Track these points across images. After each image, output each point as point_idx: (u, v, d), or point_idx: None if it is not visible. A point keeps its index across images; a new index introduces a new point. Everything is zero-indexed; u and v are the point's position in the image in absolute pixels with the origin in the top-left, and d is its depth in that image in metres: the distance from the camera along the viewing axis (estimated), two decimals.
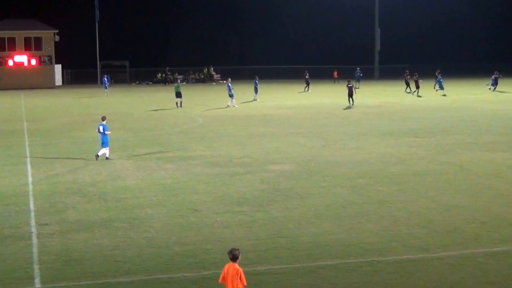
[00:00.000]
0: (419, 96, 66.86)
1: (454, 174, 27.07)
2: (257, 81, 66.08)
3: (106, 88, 76.36)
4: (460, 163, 29.39)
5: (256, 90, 65.49)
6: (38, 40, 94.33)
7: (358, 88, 79.24)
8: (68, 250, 17.66)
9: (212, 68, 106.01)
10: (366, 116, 49.41)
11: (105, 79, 78.18)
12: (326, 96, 67.37)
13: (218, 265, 16.28)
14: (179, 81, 70.32)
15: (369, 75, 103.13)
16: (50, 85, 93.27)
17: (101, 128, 31.76)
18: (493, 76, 74.31)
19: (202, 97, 68.74)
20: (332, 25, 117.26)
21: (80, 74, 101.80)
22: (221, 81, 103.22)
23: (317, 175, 27.07)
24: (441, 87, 68.46)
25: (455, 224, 19.61)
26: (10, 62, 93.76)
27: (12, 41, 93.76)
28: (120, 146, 35.73)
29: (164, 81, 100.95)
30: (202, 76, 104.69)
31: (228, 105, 58.06)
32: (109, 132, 32.24)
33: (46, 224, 20.23)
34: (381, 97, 67.40)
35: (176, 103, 58.93)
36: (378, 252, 17.08)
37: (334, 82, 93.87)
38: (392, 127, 42.15)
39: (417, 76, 70.73)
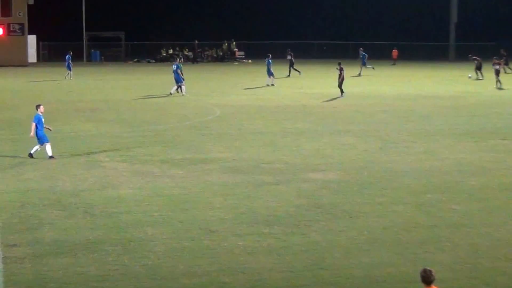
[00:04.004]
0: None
1: None
2: (270, 61, 65.31)
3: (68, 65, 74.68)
4: None
5: (269, 73, 64.97)
6: (5, 3, 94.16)
7: (360, 76, 76.84)
8: (43, 279, 17.68)
9: (234, 43, 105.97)
10: (437, 110, 49.18)
11: (69, 58, 75.85)
12: (384, 83, 67.19)
13: None
14: (178, 59, 67.88)
15: (442, 56, 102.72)
16: (21, 62, 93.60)
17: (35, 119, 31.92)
18: None
19: (221, 81, 68.73)
20: None
21: (61, 48, 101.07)
22: (245, 60, 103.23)
23: (371, 188, 26.99)
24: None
25: None
26: None
27: None
28: (111, 143, 35.77)
29: (193, 60, 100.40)
30: (221, 54, 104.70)
31: (170, 93, 57.60)
32: (48, 126, 32.47)
33: (15, 245, 20.25)
34: (458, 85, 67.06)
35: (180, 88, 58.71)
36: None
37: (394, 64, 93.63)
38: (472, 126, 41.95)
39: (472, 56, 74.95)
